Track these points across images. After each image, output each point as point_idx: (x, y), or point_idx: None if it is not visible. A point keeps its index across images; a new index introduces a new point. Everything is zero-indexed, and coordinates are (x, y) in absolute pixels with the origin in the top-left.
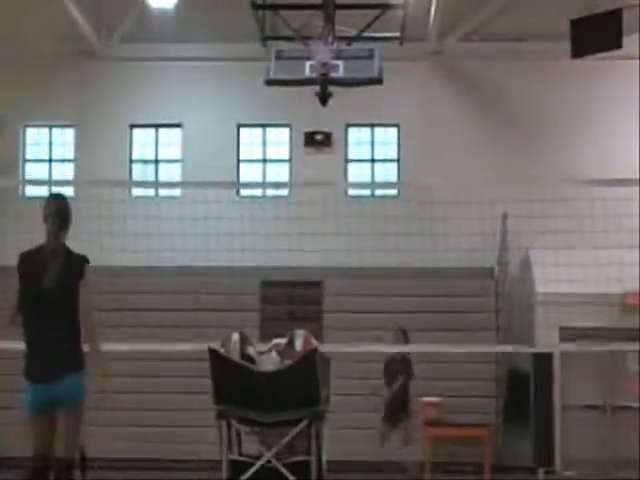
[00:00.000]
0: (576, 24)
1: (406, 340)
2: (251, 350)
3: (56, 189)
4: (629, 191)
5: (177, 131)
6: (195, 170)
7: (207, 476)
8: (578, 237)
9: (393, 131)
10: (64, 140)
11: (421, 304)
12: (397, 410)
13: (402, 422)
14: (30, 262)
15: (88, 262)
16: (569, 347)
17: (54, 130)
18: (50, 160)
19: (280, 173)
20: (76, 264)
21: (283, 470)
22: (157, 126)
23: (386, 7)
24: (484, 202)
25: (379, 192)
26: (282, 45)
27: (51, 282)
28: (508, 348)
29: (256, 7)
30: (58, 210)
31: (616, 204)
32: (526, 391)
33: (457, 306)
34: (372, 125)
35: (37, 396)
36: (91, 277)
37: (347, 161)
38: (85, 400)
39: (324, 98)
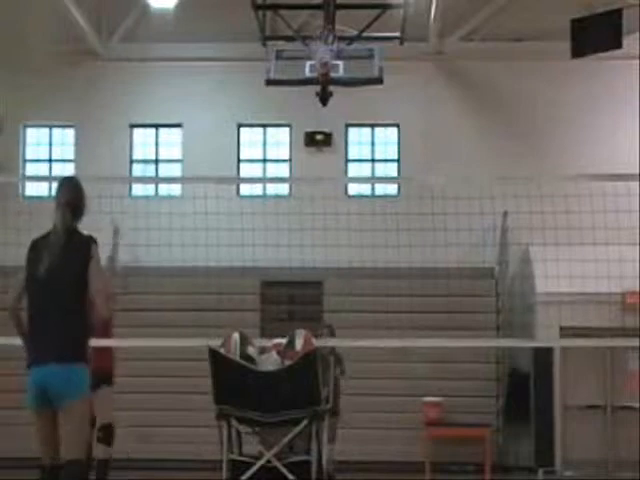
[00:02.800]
0: (576, 24)
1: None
2: (251, 350)
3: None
4: (629, 187)
5: (177, 131)
6: (195, 170)
7: (207, 476)
8: (578, 233)
9: (393, 131)
10: (64, 140)
11: (421, 304)
12: None
13: (330, 419)
14: (33, 248)
15: (95, 243)
16: (569, 341)
17: (54, 130)
18: (50, 160)
19: (280, 173)
20: (80, 247)
21: (283, 470)
22: (157, 126)
23: (386, 7)
24: (484, 198)
25: (380, 192)
26: (282, 45)
27: (46, 267)
28: (507, 342)
29: (256, 7)
30: (68, 200)
31: (615, 199)
32: (526, 391)
33: (457, 306)
34: (372, 125)
35: (30, 382)
36: (97, 260)
37: (347, 161)
38: (81, 398)
39: (324, 98)
